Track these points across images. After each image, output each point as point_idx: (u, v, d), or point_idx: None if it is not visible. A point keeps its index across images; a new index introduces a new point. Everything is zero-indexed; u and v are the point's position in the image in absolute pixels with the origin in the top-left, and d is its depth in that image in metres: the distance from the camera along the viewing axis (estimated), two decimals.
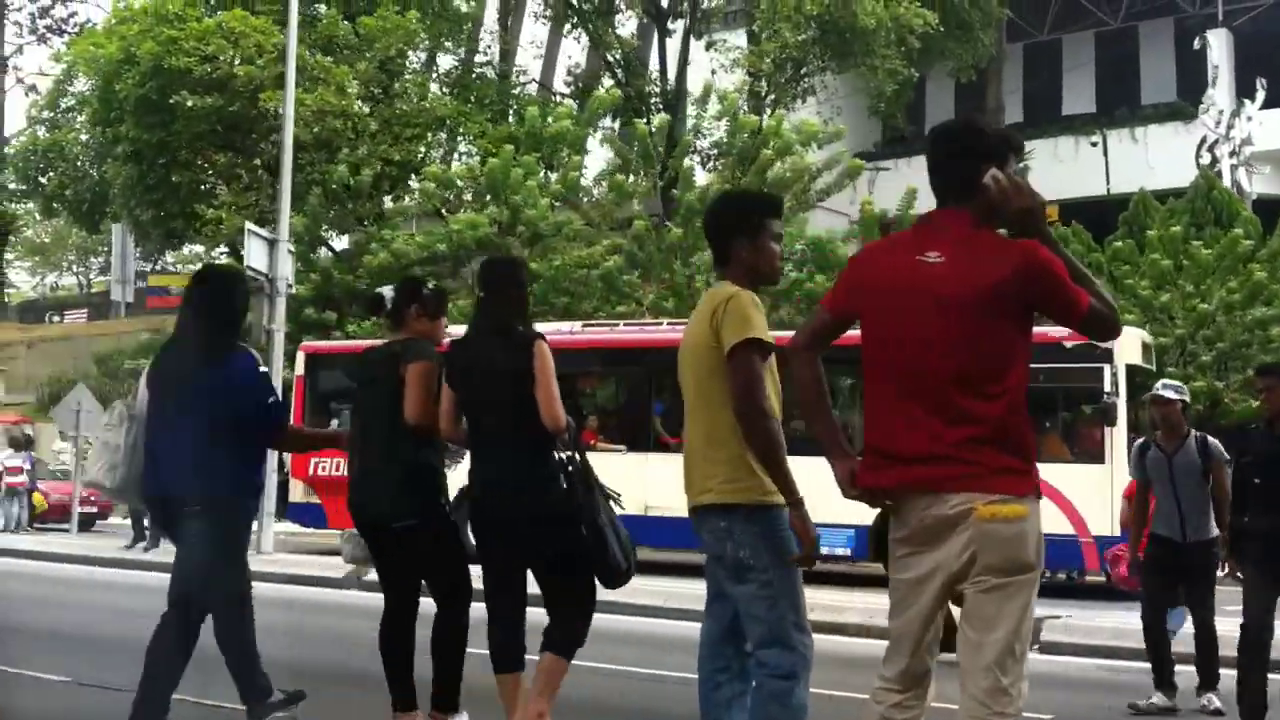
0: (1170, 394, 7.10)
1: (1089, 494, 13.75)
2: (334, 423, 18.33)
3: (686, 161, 22.66)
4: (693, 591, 11.27)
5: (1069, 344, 13.03)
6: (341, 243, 25.06)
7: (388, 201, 25.05)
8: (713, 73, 25.45)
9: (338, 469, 17.17)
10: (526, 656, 4.71)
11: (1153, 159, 28.23)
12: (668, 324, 17.45)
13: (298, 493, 16.92)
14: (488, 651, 4.79)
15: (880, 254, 3.44)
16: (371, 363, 5.06)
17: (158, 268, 37.56)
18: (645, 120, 24.04)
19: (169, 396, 4.83)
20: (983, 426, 3.09)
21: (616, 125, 25.92)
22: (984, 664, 3.07)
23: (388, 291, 5.13)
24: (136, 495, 5.04)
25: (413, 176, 25.62)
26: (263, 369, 4.97)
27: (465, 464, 4.91)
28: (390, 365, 4.85)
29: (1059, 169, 28.67)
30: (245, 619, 5.00)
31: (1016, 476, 3.11)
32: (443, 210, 24.27)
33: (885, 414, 3.22)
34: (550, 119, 23.79)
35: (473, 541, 4.79)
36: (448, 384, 4.72)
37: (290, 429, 5.03)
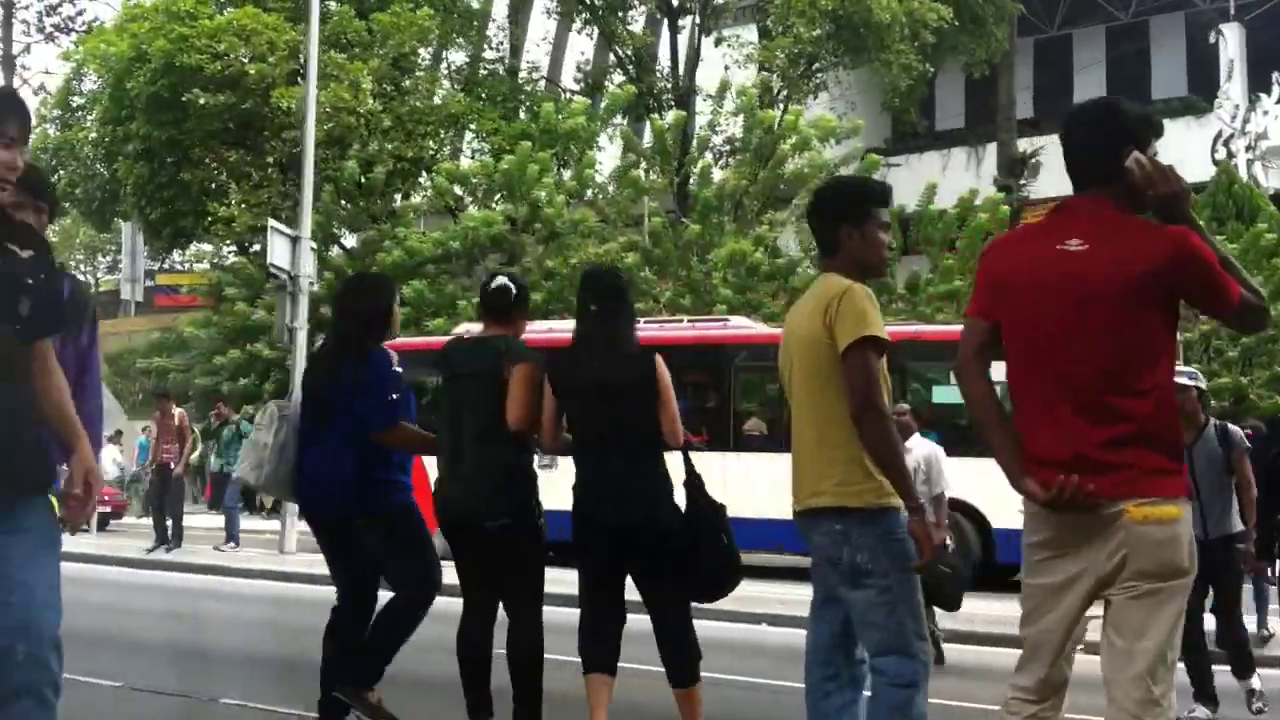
0: (1184, 380, 6.81)
1: None
2: None
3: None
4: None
5: None
6: (350, 240, 24.93)
7: (400, 199, 24.91)
8: (726, 68, 25.31)
9: None
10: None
11: (1165, 154, 27.96)
12: (688, 321, 17.34)
13: None
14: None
15: (1015, 245, 3.30)
16: (464, 356, 4.90)
17: (165, 266, 37.41)
18: (660, 115, 23.89)
19: (319, 400, 4.93)
20: (1131, 425, 2.96)
21: (625, 121, 25.75)
22: (1134, 673, 2.94)
23: (510, 283, 5.00)
24: (284, 492, 5.11)
25: (424, 174, 25.47)
26: (395, 368, 4.92)
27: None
28: (491, 361, 4.70)
29: None
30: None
31: (1167, 477, 2.99)
32: (453, 207, 24.17)
33: (1031, 414, 3.09)
34: (563, 115, 23.64)
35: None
36: (554, 394, 4.61)
37: (403, 427, 4.93)
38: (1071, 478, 2.95)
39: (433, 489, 4.93)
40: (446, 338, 16.96)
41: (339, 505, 4.87)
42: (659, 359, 4.59)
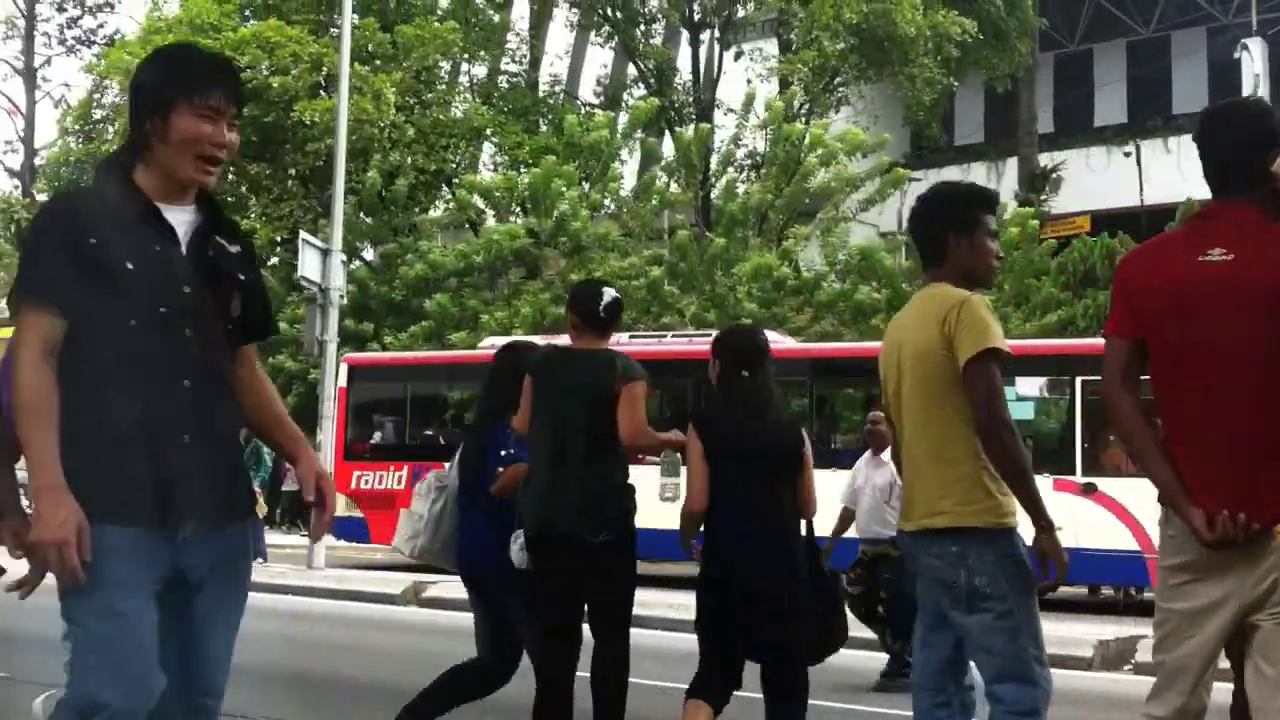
0: None
1: (1153, 509, 13.46)
2: (376, 435, 18.22)
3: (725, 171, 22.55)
4: None
5: None
6: (370, 253, 24.93)
7: (419, 212, 24.90)
8: (748, 82, 25.29)
9: (380, 483, 17.00)
10: None
11: (1185, 169, 27.94)
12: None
13: (340, 506, 16.73)
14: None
15: (1153, 258, 3.16)
16: (568, 369, 4.79)
17: None
18: (687, 129, 23.83)
19: (471, 470, 5.08)
20: None
21: (641, 135, 25.71)
22: None
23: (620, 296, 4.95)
24: (442, 560, 5.18)
25: (445, 187, 25.44)
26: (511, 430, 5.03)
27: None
28: (600, 375, 4.60)
29: (1091, 180, 28.50)
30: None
31: None
32: (474, 221, 24.17)
33: (1181, 434, 2.97)
34: (586, 128, 23.62)
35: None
36: (708, 459, 4.53)
37: (508, 472, 4.97)
38: (1238, 517, 2.84)
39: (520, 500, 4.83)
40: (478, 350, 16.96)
41: (489, 572, 4.93)
42: (804, 430, 4.73)
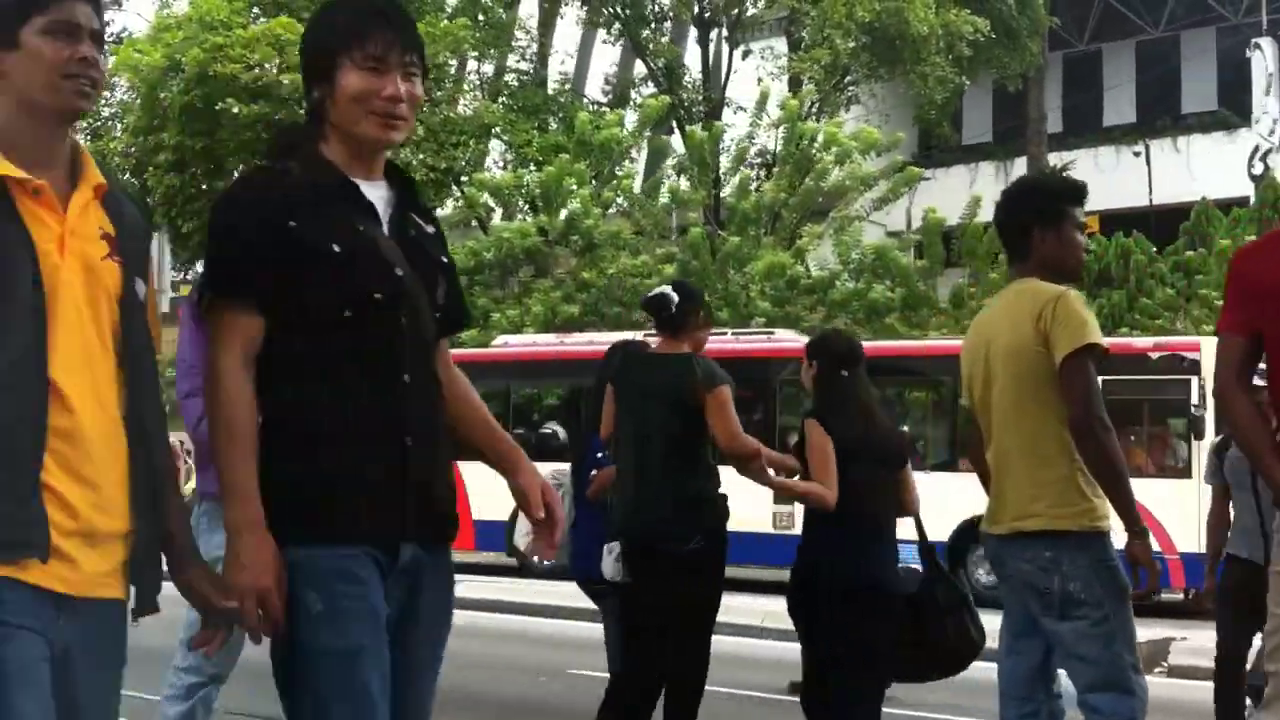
0: (1257, 380, 6.53)
1: (1175, 510, 13.42)
2: None
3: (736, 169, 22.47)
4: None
5: (1154, 355, 12.79)
6: None
7: (434, 210, 24.83)
8: (759, 81, 25.20)
9: None
10: None
11: (1195, 169, 27.96)
12: (731, 334, 17.15)
13: None
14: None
15: (1269, 251, 3.08)
16: (648, 372, 4.73)
17: (187, 278, 37.31)
18: (701, 127, 23.75)
19: (574, 473, 5.22)
20: None
21: (650, 133, 25.63)
22: None
23: (671, 292, 4.81)
24: (560, 557, 5.13)
25: (454, 184, 25.35)
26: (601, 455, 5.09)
27: None
28: (678, 376, 4.52)
29: (1100, 179, 28.37)
30: None
31: None
32: (483, 219, 24.07)
33: None
34: (598, 126, 23.54)
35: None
36: (837, 458, 4.52)
37: (599, 476, 5.05)
38: None
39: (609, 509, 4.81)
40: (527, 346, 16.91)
41: (596, 574, 4.90)
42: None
